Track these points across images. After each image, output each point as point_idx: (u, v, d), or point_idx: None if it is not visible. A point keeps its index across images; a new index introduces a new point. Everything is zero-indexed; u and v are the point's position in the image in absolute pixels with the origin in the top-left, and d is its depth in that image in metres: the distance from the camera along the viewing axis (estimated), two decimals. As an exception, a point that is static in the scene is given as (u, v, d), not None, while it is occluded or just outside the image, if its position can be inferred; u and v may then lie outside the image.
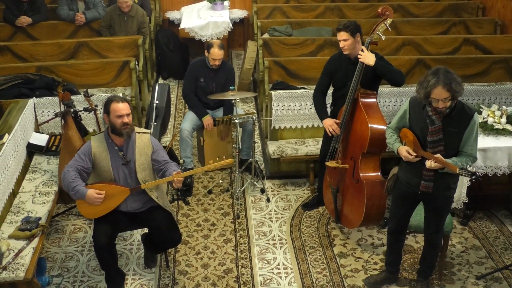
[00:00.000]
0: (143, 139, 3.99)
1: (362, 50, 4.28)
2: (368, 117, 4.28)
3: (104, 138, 3.94)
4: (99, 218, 3.95)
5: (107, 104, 3.87)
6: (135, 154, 3.94)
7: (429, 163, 3.55)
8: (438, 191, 3.73)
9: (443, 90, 3.40)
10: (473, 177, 3.44)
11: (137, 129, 4.02)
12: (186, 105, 5.71)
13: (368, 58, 4.24)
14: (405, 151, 3.68)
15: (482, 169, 4.65)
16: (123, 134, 3.87)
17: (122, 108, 3.82)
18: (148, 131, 4.08)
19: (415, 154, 3.65)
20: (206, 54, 5.40)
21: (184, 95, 5.60)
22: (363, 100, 4.38)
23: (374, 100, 4.42)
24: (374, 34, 4.30)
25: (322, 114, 4.69)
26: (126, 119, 3.83)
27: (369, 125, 4.24)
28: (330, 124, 4.55)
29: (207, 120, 5.49)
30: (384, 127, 4.13)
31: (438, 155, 3.54)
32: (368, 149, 4.29)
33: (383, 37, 4.31)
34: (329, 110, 4.83)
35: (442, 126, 3.56)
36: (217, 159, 5.59)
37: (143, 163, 3.96)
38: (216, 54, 5.32)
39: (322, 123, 4.67)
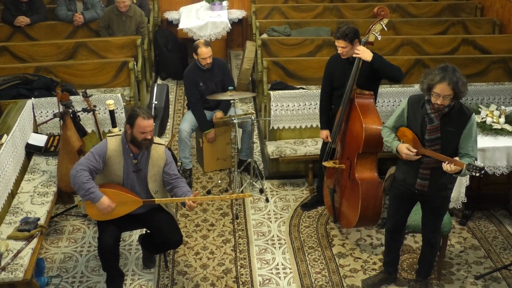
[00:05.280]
0: (158, 150, 3.94)
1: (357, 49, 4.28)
2: (363, 117, 4.28)
3: (121, 142, 3.87)
4: (103, 220, 3.92)
5: (133, 117, 3.76)
6: (148, 165, 3.90)
7: (447, 166, 3.49)
8: (435, 191, 3.73)
9: (447, 87, 3.41)
10: (482, 171, 3.42)
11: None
12: (187, 108, 5.66)
13: (365, 53, 4.22)
14: (405, 148, 3.67)
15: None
16: (142, 148, 3.83)
17: (148, 125, 3.75)
18: (163, 143, 4.02)
19: (415, 151, 3.64)
20: (195, 56, 5.35)
21: (191, 104, 5.48)
22: (359, 100, 4.38)
23: (371, 100, 4.41)
24: (370, 34, 4.29)
25: (321, 123, 4.79)
26: (149, 136, 3.79)
27: (364, 125, 4.24)
28: (323, 137, 4.74)
29: (210, 135, 5.49)
30: (380, 127, 4.13)
31: (456, 158, 3.52)
32: (363, 149, 4.29)
33: (379, 38, 4.30)
34: None
35: (440, 125, 3.57)
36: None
37: (155, 174, 3.94)
38: (204, 52, 5.28)
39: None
